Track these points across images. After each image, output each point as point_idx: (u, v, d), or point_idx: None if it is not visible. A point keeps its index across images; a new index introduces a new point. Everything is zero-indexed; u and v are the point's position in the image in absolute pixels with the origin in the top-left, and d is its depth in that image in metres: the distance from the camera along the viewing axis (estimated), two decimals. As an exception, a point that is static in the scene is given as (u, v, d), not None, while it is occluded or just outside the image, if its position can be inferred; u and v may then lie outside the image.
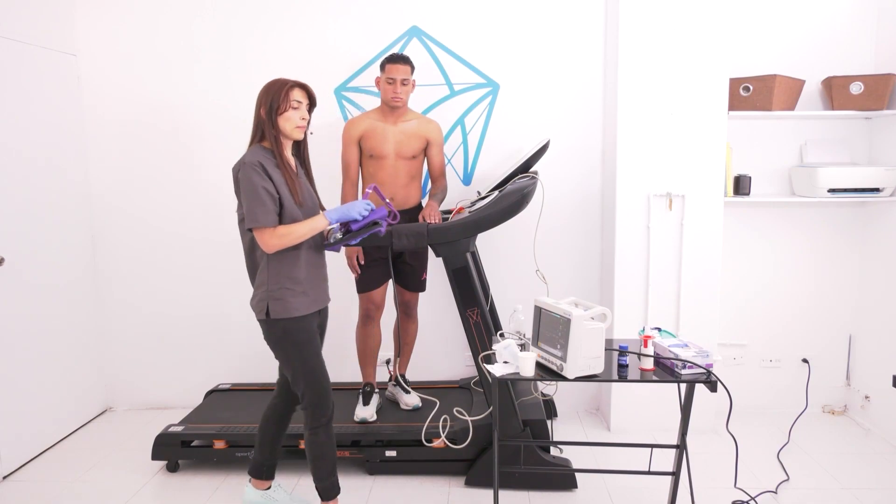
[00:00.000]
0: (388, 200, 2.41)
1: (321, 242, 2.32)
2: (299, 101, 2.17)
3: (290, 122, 2.16)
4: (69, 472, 2.93)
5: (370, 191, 2.36)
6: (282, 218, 2.15)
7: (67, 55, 3.36)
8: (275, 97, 2.14)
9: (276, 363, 3.87)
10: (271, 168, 2.15)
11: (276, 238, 2.12)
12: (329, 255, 3.47)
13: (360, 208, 2.22)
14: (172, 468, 2.92)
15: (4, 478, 2.87)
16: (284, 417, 2.48)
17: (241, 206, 2.17)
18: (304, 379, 2.25)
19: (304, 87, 2.20)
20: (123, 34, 3.41)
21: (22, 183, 3.03)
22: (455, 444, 2.76)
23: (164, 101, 3.45)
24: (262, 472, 2.50)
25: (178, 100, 3.44)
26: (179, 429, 2.93)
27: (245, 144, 3.59)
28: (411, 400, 3.12)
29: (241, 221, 2.20)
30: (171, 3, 3.38)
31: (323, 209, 2.32)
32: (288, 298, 2.19)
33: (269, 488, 2.52)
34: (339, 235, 2.29)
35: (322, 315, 2.40)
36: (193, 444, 2.90)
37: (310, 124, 2.29)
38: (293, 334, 2.22)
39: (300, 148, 2.33)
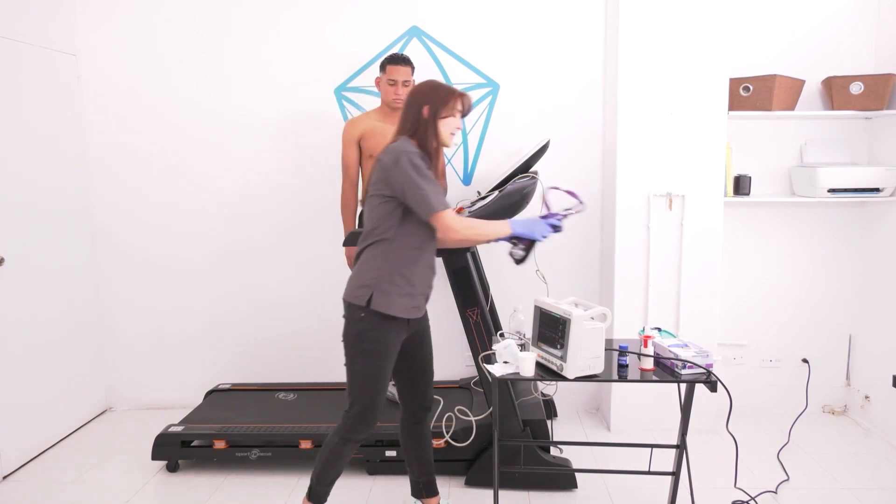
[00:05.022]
0: (569, 191, 2.36)
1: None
2: (459, 111, 2.14)
3: (447, 126, 2.12)
4: (69, 472, 2.93)
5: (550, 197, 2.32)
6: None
7: (67, 55, 3.36)
8: (442, 101, 2.09)
9: (277, 363, 3.83)
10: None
11: (459, 223, 2.04)
12: (330, 258, 3.48)
13: (542, 231, 2.16)
14: (172, 468, 2.91)
15: (4, 478, 2.87)
16: (415, 429, 2.35)
17: (385, 188, 2.05)
18: (360, 388, 2.13)
19: (466, 100, 2.16)
20: (123, 34, 3.41)
21: (22, 183, 3.02)
22: (457, 442, 2.76)
23: (164, 102, 3.45)
24: (421, 491, 2.42)
25: (178, 100, 3.44)
26: (179, 429, 2.93)
27: (246, 144, 3.58)
28: (411, 400, 3.11)
29: (372, 197, 2.10)
30: (172, 4, 3.38)
31: None
32: (392, 294, 2.08)
33: None
34: (521, 253, 2.24)
35: (413, 325, 2.22)
36: (193, 444, 2.90)
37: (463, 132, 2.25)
38: (371, 333, 2.09)
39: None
